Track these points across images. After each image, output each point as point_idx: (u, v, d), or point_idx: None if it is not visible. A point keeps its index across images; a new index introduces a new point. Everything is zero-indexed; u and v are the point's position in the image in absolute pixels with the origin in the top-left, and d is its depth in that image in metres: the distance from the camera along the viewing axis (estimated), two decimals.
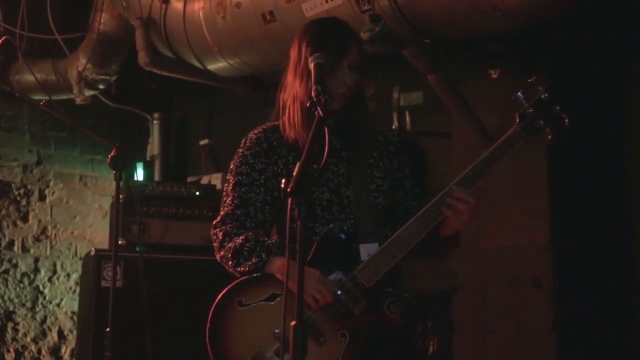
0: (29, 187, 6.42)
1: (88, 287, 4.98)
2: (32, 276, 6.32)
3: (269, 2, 4.60)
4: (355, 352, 2.79)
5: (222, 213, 2.99)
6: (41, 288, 6.34)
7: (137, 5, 5.40)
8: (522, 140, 2.86)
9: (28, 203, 6.39)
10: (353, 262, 2.83)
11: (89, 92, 6.13)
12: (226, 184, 3.02)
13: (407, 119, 4.99)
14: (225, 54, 5.07)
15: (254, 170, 2.97)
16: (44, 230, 6.42)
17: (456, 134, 4.93)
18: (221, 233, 2.96)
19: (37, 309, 6.30)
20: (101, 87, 6.15)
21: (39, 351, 6.27)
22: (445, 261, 4.69)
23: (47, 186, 6.49)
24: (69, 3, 6.28)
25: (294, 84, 2.94)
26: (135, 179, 5.85)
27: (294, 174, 2.35)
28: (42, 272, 6.36)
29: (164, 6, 5.25)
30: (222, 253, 2.95)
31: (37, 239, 6.38)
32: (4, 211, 6.28)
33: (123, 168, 3.50)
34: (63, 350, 6.34)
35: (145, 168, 6.53)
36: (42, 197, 6.45)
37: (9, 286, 6.23)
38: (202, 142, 6.61)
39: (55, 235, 6.45)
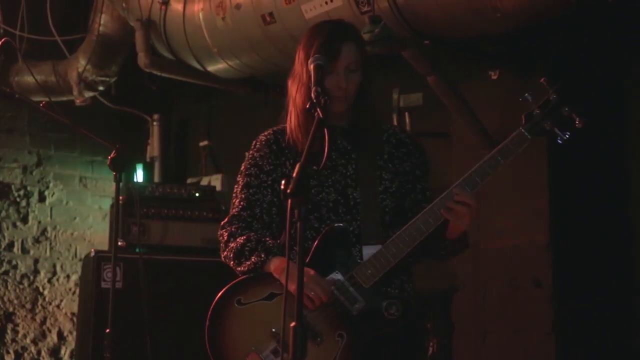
0: (28, 188, 6.42)
1: (88, 289, 4.97)
2: (31, 277, 6.32)
3: (268, 3, 4.60)
4: (353, 353, 2.79)
5: (229, 214, 3.02)
6: (41, 289, 6.34)
7: (136, 6, 5.40)
8: (527, 142, 2.81)
9: (28, 204, 6.39)
10: (353, 263, 2.83)
11: (88, 94, 6.13)
12: (236, 185, 3.04)
13: (407, 120, 4.99)
14: (225, 55, 5.07)
15: (262, 172, 2.99)
16: (43, 232, 6.42)
17: (456, 134, 4.94)
18: (226, 234, 2.97)
19: (37, 310, 6.30)
20: (101, 88, 6.15)
21: (39, 352, 6.27)
22: (445, 261, 4.69)
23: (47, 187, 6.49)
24: (69, 4, 6.28)
25: (291, 88, 2.95)
26: (135, 180, 5.85)
27: (294, 175, 2.35)
28: (42, 273, 6.36)
29: (163, 7, 5.25)
30: (225, 253, 2.98)
31: (36, 240, 6.39)
32: (3, 212, 6.28)
33: (123, 169, 3.50)
34: (63, 351, 6.34)
35: (145, 169, 6.53)
36: (42, 199, 6.46)
37: (9, 287, 6.23)
38: (201, 144, 6.62)
39: (55, 236, 6.46)
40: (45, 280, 6.36)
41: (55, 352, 6.32)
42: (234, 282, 2.91)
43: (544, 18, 4.00)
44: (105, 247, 5.93)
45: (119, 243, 4.80)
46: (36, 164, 6.48)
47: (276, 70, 5.01)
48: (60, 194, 6.52)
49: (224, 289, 2.90)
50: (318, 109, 2.63)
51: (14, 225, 6.33)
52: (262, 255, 2.86)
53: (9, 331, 6.18)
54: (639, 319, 4.56)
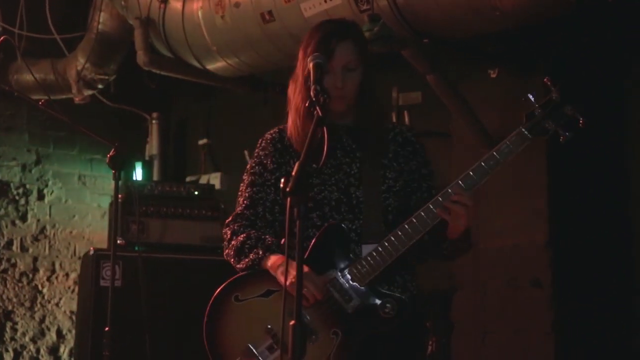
0: (27, 186, 6.41)
1: (87, 287, 4.97)
2: (30, 276, 6.32)
3: (267, 1, 4.59)
4: (347, 351, 2.79)
5: (234, 212, 3.04)
6: (40, 287, 6.34)
7: (135, 5, 5.39)
8: (528, 142, 2.79)
9: (27, 202, 6.39)
10: (349, 261, 2.83)
11: (87, 92, 6.13)
12: (242, 183, 3.05)
13: (406, 119, 4.99)
14: (224, 53, 5.06)
15: (266, 170, 3.00)
16: (42, 230, 6.41)
17: (455, 134, 4.93)
18: (229, 232, 3.00)
19: (36, 309, 6.30)
20: (100, 86, 6.15)
21: (38, 351, 6.27)
22: (449, 262, 4.69)
23: (46, 185, 6.48)
24: (68, 3, 6.28)
25: (291, 88, 2.95)
26: (134, 178, 5.85)
27: (293, 173, 2.35)
28: (41, 271, 6.36)
29: (162, 6, 5.25)
30: (226, 251, 3.00)
31: (35, 239, 6.38)
32: (2, 210, 6.28)
33: (122, 167, 3.50)
34: (62, 349, 6.34)
35: (144, 167, 6.53)
36: (40, 197, 6.45)
37: (8, 286, 6.22)
38: (200, 142, 6.61)
39: (54, 234, 6.45)
40: (45, 278, 6.36)
41: (54, 350, 6.32)
42: (232, 278, 2.93)
43: (544, 18, 4.00)
44: (104, 246, 5.93)
45: (118, 241, 4.81)
46: (35, 162, 6.47)
47: (275, 68, 5.01)
48: (59, 192, 6.52)
49: (222, 286, 2.92)
50: (317, 107, 2.63)
51: (13, 223, 6.32)
52: (260, 253, 2.88)
53: (8, 329, 6.18)
54: (639, 319, 4.56)
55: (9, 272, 6.24)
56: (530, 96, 2.81)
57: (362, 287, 2.80)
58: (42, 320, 6.31)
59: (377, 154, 2.95)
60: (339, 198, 2.90)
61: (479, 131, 4.69)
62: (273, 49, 4.75)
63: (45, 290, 6.35)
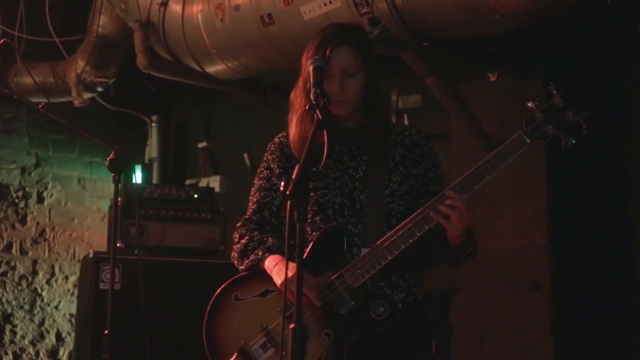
0: (27, 189, 6.41)
1: (86, 290, 4.97)
2: (30, 279, 6.32)
3: (267, 5, 4.59)
4: (338, 352, 2.79)
5: (244, 217, 3.08)
6: (39, 290, 6.33)
7: (135, 7, 5.39)
8: (526, 146, 2.78)
9: (26, 205, 6.39)
10: (344, 263, 2.83)
11: (87, 95, 6.13)
12: (252, 187, 3.09)
13: (406, 121, 4.99)
14: (224, 56, 5.06)
15: (273, 174, 3.02)
16: (42, 233, 6.41)
17: (455, 136, 4.93)
18: (237, 235, 3.06)
19: (35, 312, 6.29)
20: (100, 89, 6.15)
21: (37, 354, 6.26)
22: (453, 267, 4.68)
23: (46, 188, 6.48)
24: (68, 5, 6.28)
25: (292, 92, 2.96)
26: (134, 181, 5.84)
27: (293, 176, 2.35)
28: (41, 274, 6.35)
29: (162, 9, 5.25)
30: (232, 254, 3.05)
31: (35, 242, 6.38)
32: (2, 213, 6.28)
33: (122, 170, 3.50)
34: (61, 352, 6.33)
35: (143, 170, 6.53)
36: (40, 200, 6.45)
37: (7, 289, 6.22)
38: (200, 145, 6.61)
39: (54, 237, 6.45)
40: (44, 281, 6.36)
41: (53, 353, 6.31)
42: (233, 278, 2.97)
43: (544, 19, 3.99)
44: (104, 249, 5.93)
45: (118, 244, 4.81)
46: (35, 165, 6.47)
47: (275, 71, 5.01)
48: (58, 195, 6.51)
49: (222, 285, 2.97)
50: (317, 111, 2.62)
51: (13, 226, 6.32)
52: (260, 253, 2.92)
53: (7, 332, 6.17)
54: (639, 319, 4.56)
55: (9, 275, 6.24)
56: (531, 103, 2.80)
57: (355, 289, 2.81)
58: (42, 323, 6.30)
59: (382, 158, 2.94)
60: (343, 202, 2.91)
61: (479, 133, 4.69)
62: (273, 52, 4.75)
63: (44, 293, 6.34)
